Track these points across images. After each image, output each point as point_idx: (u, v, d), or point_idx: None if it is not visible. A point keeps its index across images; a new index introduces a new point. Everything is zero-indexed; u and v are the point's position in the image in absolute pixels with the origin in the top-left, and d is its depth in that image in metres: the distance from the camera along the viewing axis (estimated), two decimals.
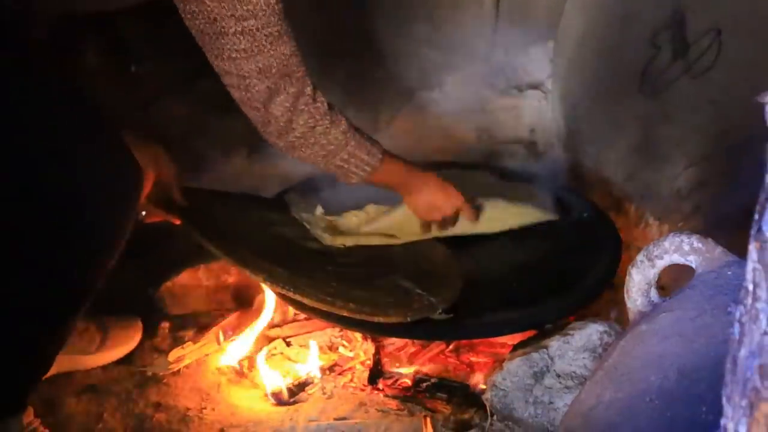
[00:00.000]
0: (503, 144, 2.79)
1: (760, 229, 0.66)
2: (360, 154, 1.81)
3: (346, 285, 1.87)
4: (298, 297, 1.80)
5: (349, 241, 2.09)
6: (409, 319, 1.77)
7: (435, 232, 2.10)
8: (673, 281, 1.48)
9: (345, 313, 1.77)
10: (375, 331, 1.96)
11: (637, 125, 2.34)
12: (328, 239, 2.09)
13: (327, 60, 2.69)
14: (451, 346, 2.10)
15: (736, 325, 0.70)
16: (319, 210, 2.17)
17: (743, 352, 0.69)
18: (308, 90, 1.69)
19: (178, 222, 1.95)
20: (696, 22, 2.16)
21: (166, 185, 1.94)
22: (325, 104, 1.73)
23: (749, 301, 0.68)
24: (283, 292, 1.82)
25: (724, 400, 0.72)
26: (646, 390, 1.06)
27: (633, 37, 2.34)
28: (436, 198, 2.02)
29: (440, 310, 1.81)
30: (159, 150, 1.92)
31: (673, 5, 2.21)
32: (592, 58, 2.56)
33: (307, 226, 2.14)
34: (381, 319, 1.76)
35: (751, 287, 0.68)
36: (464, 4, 2.80)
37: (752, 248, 0.68)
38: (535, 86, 2.84)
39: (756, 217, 0.68)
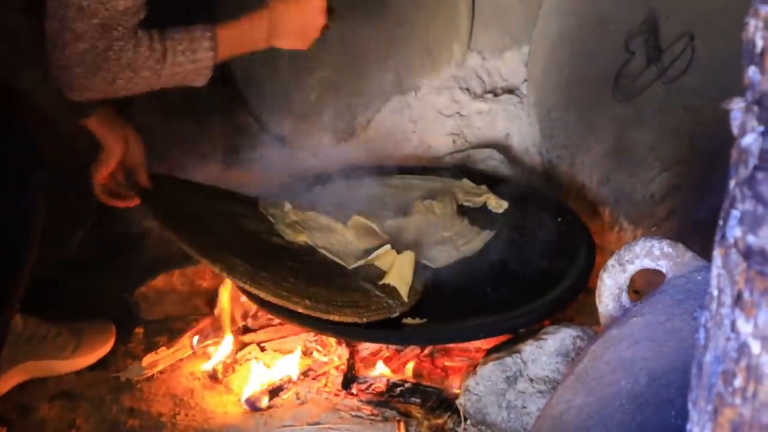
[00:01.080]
0: (478, 148, 2.79)
1: (724, 236, 0.67)
2: (184, 47, 1.75)
3: (305, 282, 1.89)
4: (254, 290, 1.83)
5: (311, 240, 2.11)
6: (364, 320, 1.79)
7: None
8: (648, 285, 1.49)
9: (300, 309, 1.80)
10: (347, 335, 1.96)
11: (611, 130, 2.36)
12: (290, 234, 2.11)
13: (301, 64, 2.70)
14: (426, 351, 2.10)
15: (702, 331, 0.71)
16: (287, 206, 2.19)
17: (708, 358, 0.70)
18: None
19: (135, 203, 2.00)
20: (669, 27, 2.18)
21: (132, 165, 2.00)
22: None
23: (714, 306, 0.69)
24: (241, 284, 1.85)
25: (690, 405, 0.72)
26: (616, 394, 1.07)
27: (607, 41, 2.36)
28: (301, 20, 1.94)
29: (398, 313, 1.83)
30: (129, 130, 1.98)
31: (646, 10, 2.23)
32: (566, 63, 2.57)
33: (272, 221, 2.17)
34: (336, 318, 1.79)
35: (715, 293, 0.69)
36: (440, 9, 2.80)
37: (716, 254, 0.68)
38: (510, 91, 2.85)
39: (720, 223, 0.68)
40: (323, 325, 1.84)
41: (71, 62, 1.61)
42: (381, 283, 1.94)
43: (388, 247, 2.03)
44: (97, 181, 1.97)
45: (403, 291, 1.90)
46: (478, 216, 2.33)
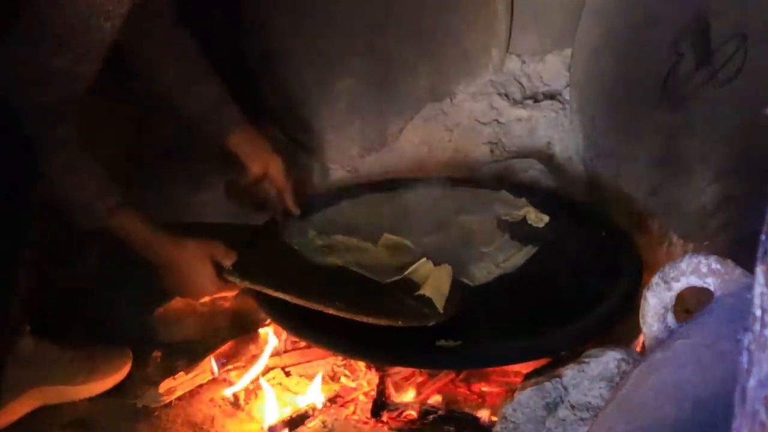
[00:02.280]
0: (518, 158, 2.77)
1: (767, 252, 0.65)
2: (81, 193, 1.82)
3: (333, 293, 1.92)
4: (279, 294, 1.91)
5: (342, 260, 2.13)
6: (400, 324, 1.81)
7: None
8: (699, 304, 1.47)
9: (331, 311, 1.84)
10: (377, 358, 1.96)
11: (659, 137, 2.33)
12: (318, 258, 2.15)
13: (327, 72, 2.70)
14: (461, 375, 2.08)
15: (745, 353, 0.70)
16: (311, 233, 2.23)
17: (752, 383, 0.68)
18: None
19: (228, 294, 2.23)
20: (720, 27, 2.15)
21: (277, 189, 2.27)
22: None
23: (757, 327, 0.67)
24: (262, 290, 1.95)
25: None
26: (660, 422, 1.05)
27: (654, 43, 2.33)
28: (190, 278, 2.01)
29: (433, 322, 1.84)
30: (272, 158, 2.24)
31: (695, 9, 2.20)
32: (611, 66, 2.55)
33: (297, 249, 2.20)
34: (369, 320, 1.81)
35: (759, 313, 0.67)
36: (476, 11, 2.80)
37: (759, 271, 0.67)
38: (551, 96, 2.84)
39: (763, 238, 0.67)
40: (352, 348, 1.84)
41: None
42: (417, 294, 1.94)
43: (424, 259, 2.04)
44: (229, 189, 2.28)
45: (439, 302, 1.90)
46: (518, 230, 2.32)
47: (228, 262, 1.99)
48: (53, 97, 1.72)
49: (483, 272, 2.13)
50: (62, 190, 1.78)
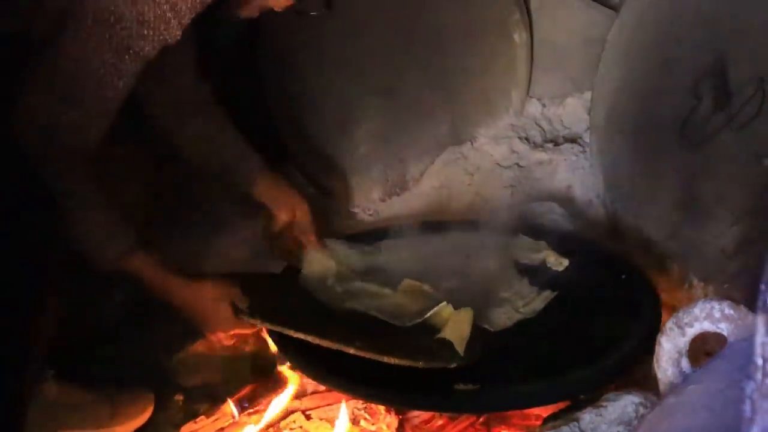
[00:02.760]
0: (538, 201, 2.78)
1: (766, 303, 0.66)
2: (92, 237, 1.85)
3: (353, 335, 1.93)
4: (298, 335, 1.94)
5: (361, 305, 2.13)
6: (421, 365, 1.81)
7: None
8: (719, 347, 1.47)
9: (351, 351, 1.85)
10: (396, 402, 1.96)
11: (679, 179, 2.34)
12: (336, 304, 2.16)
13: (348, 115, 2.73)
14: (481, 419, 2.08)
15: (748, 402, 0.70)
16: (330, 280, 2.25)
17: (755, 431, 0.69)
18: None
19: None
20: (738, 70, 2.17)
21: (300, 233, 2.27)
22: None
23: (759, 377, 0.68)
24: (282, 330, 1.98)
25: None
26: None
27: (673, 86, 2.35)
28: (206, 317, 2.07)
29: (454, 365, 1.83)
30: (298, 200, 2.27)
31: (714, 53, 2.22)
32: (631, 109, 2.56)
33: (314, 294, 2.21)
34: (390, 360, 1.82)
35: (760, 362, 0.68)
36: (496, 54, 2.82)
37: (760, 322, 0.67)
38: (572, 139, 2.85)
39: (762, 287, 0.68)
40: (371, 391, 1.85)
41: None
42: (437, 337, 1.94)
43: (444, 303, 2.03)
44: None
45: (460, 346, 1.89)
46: (537, 274, 2.32)
47: (244, 304, 2.03)
48: (63, 147, 1.75)
49: (503, 317, 2.12)
50: (74, 235, 1.81)
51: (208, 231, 2.64)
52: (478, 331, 1.99)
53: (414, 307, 2.11)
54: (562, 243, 2.42)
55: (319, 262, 2.28)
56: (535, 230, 2.52)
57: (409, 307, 2.11)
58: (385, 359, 1.82)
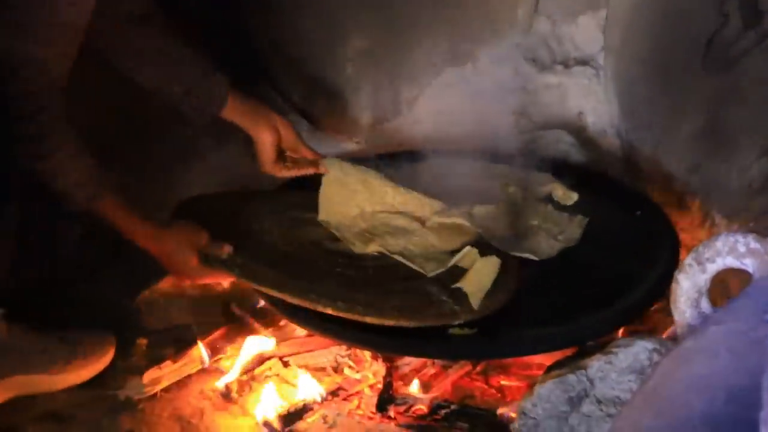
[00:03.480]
0: (546, 130, 2.77)
1: None
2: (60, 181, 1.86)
3: (348, 287, 1.92)
4: (274, 293, 1.91)
5: (385, 247, 2.11)
6: (411, 324, 1.80)
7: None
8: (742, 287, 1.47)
9: (329, 311, 1.83)
10: (385, 349, 1.96)
11: (702, 107, 2.33)
12: (359, 246, 2.12)
13: (334, 31, 2.70)
14: (478, 368, 2.09)
15: None
16: (355, 210, 2.22)
17: None
18: None
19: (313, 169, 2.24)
20: None
21: (289, 148, 2.26)
22: None
23: None
24: (259, 288, 1.95)
25: (761, 424, 0.71)
26: (689, 417, 1.05)
27: (697, 3, 2.33)
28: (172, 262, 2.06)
29: (461, 322, 1.82)
30: (274, 115, 2.23)
31: None
32: (650, 29, 2.54)
33: (336, 233, 2.18)
34: (373, 321, 1.81)
35: None
36: None
37: None
38: (584, 62, 2.83)
39: None
40: (357, 336, 1.85)
41: None
42: (454, 287, 1.92)
43: (468, 248, 2.02)
44: (270, 171, 2.25)
45: (476, 299, 1.88)
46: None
47: (222, 253, 2.01)
48: (28, 85, 1.75)
49: (545, 245, 2.15)
50: (42, 177, 1.82)
51: (173, 159, 2.62)
52: (502, 283, 1.96)
53: (444, 245, 2.10)
54: (572, 175, 2.42)
55: (341, 170, 2.24)
56: (542, 161, 2.52)
57: (438, 247, 2.10)
58: (367, 319, 1.80)
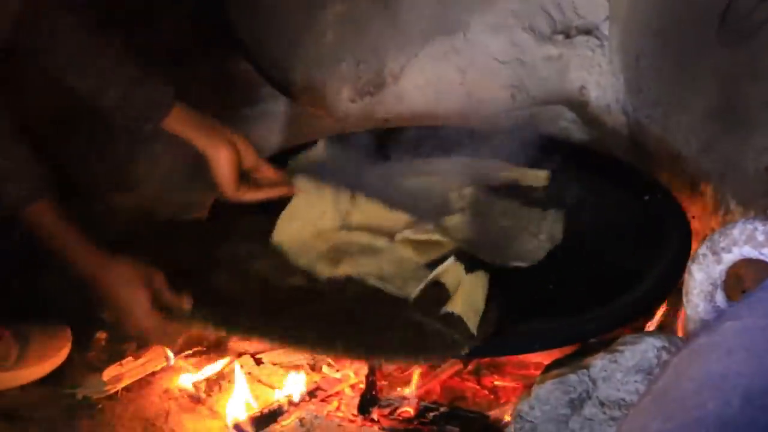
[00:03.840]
0: (545, 105, 2.78)
1: None
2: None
3: (333, 324, 1.85)
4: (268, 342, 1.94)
5: (356, 270, 2.01)
6: (421, 362, 1.82)
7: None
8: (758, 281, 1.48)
9: (331, 357, 1.88)
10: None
11: (715, 82, 2.34)
12: (326, 270, 2.01)
13: None
14: (469, 366, 2.10)
15: None
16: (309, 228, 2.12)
17: None
18: None
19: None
20: None
21: (249, 168, 2.11)
22: None
23: None
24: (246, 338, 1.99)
25: None
26: (701, 420, 1.06)
27: None
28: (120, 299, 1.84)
29: (467, 351, 1.76)
30: (227, 131, 2.08)
31: None
32: None
33: (291, 257, 2.07)
34: (383, 362, 1.83)
35: None
36: None
37: None
38: (587, 31, 2.84)
39: None
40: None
41: None
42: (443, 311, 1.83)
43: (452, 260, 1.94)
44: (232, 196, 2.09)
45: (473, 322, 1.79)
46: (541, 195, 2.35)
47: (182, 304, 1.86)
48: None
49: (531, 248, 2.12)
50: None
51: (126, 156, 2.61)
52: (495, 300, 1.89)
53: (420, 258, 2.04)
54: (573, 156, 2.42)
55: (315, 190, 2.16)
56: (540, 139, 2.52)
57: (414, 260, 2.03)
58: (373, 362, 1.82)
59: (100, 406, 2.03)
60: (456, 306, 1.82)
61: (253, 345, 2.18)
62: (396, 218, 2.13)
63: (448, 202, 2.29)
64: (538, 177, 2.37)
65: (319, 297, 1.95)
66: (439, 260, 1.96)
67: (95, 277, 1.82)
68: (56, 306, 2.23)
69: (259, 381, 2.08)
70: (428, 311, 1.85)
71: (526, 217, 2.24)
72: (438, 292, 1.89)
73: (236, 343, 2.18)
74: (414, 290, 1.91)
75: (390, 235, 2.08)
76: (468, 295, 1.85)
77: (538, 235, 2.16)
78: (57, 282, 2.26)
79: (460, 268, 1.91)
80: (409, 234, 2.07)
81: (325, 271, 2.00)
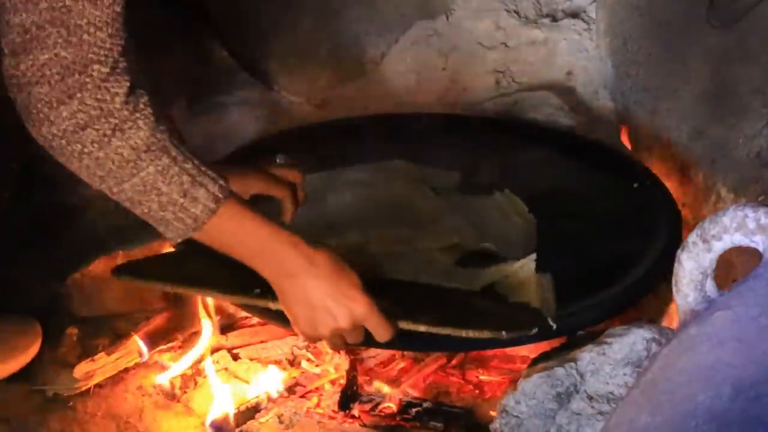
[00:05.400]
0: (530, 91, 2.78)
1: None
2: (173, 192, 1.53)
3: (412, 304, 1.77)
4: None
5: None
6: (505, 336, 1.67)
7: None
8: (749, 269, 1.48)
9: (422, 329, 1.67)
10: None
11: (706, 65, 2.34)
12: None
13: None
14: (453, 361, 2.10)
15: None
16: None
17: None
18: (98, 62, 1.46)
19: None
20: None
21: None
22: (124, 94, 1.49)
23: None
24: None
25: None
26: (691, 412, 1.07)
27: None
28: (325, 298, 1.62)
29: (554, 326, 1.72)
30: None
31: None
32: None
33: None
34: (471, 334, 1.67)
35: None
36: None
37: None
38: (574, 14, 2.84)
39: None
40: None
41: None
42: (516, 301, 1.82)
43: (533, 257, 1.89)
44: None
45: (550, 314, 1.75)
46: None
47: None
48: None
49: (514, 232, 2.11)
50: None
51: None
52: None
53: (447, 260, 1.97)
54: (560, 143, 2.43)
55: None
56: (525, 127, 2.52)
57: (441, 260, 1.97)
58: (464, 334, 1.65)
59: (71, 403, 2.03)
60: (531, 298, 1.80)
61: (230, 339, 2.18)
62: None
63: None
64: (449, 176, 2.32)
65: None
66: (464, 259, 1.95)
67: (309, 273, 1.61)
68: (25, 299, 2.22)
69: (236, 377, 2.08)
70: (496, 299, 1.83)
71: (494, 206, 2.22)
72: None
73: (213, 337, 2.18)
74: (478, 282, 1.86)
75: (398, 243, 2.03)
76: (543, 291, 1.82)
77: (513, 217, 2.17)
78: (25, 274, 2.26)
79: (530, 267, 1.87)
80: (431, 244, 2.01)
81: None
